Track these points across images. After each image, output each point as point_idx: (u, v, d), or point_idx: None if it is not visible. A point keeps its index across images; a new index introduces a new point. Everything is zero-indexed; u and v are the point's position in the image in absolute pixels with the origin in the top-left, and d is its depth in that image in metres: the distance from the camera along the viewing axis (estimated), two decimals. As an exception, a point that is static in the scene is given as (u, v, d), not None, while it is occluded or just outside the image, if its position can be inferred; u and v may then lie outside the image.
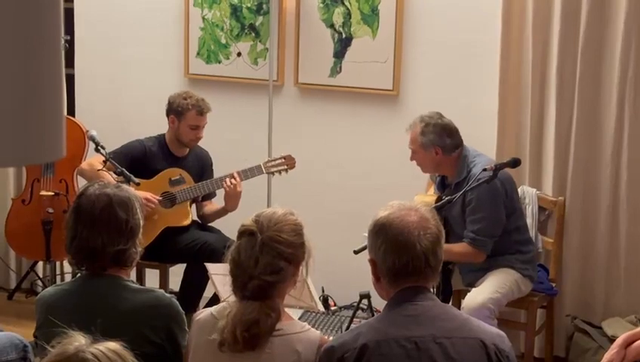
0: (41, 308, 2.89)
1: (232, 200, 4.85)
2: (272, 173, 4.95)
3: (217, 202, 5.10)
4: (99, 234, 2.82)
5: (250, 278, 2.57)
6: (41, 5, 1.27)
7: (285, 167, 4.92)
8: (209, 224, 5.10)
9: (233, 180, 4.82)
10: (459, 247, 4.38)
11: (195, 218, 5.11)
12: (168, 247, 4.89)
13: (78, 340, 1.96)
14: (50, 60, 1.28)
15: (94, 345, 1.95)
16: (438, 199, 4.47)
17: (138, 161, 4.88)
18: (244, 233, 2.62)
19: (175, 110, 4.91)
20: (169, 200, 4.91)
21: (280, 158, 4.94)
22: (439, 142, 4.43)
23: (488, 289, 4.34)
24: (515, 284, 4.44)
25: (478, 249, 4.38)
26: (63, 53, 1.33)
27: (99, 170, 4.74)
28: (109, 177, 4.64)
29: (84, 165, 5.01)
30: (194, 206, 5.14)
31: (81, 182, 5.35)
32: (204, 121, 4.93)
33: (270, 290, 2.58)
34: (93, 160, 4.94)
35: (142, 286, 3.06)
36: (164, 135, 5.02)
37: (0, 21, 1.23)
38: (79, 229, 2.84)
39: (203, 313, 2.74)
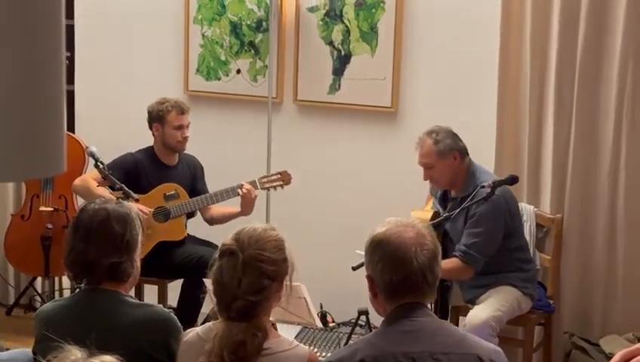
0: (39, 324, 2.90)
1: (249, 204, 4.89)
2: (267, 188, 4.97)
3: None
4: (93, 246, 2.84)
5: (233, 299, 2.53)
6: (44, 22, 1.28)
7: (281, 182, 4.94)
8: (214, 227, 5.09)
9: (246, 185, 4.86)
10: (448, 263, 4.26)
11: (192, 233, 5.12)
12: (164, 262, 4.90)
13: (74, 354, 1.97)
14: (51, 76, 1.30)
15: (90, 359, 1.95)
16: (435, 215, 4.48)
17: (131, 173, 4.92)
18: (225, 253, 2.58)
19: (156, 117, 4.97)
20: (163, 214, 4.94)
21: (276, 174, 4.96)
22: (456, 146, 4.42)
23: (490, 307, 4.34)
24: (516, 302, 4.44)
25: (468, 264, 4.33)
26: (64, 69, 1.34)
27: (98, 185, 4.77)
28: (105, 193, 4.65)
29: (76, 181, 5.00)
30: (190, 221, 5.15)
31: (80, 198, 5.36)
32: (187, 120, 4.98)
33: (255, 310, 2.55)
34: (86, 176, 4.98)
35: (140, 302, 3.07)
36: (152, 147, 5.07)
37: (3, 37, 1.25)
38: (76, 242, 2.87)
39: (190, 334, 2.71)
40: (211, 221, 5.11)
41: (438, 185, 4.57)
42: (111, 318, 2.81)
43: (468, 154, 4.48)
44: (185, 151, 5.09)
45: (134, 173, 4.93)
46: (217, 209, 5.10)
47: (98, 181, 4.82)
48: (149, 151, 5.06)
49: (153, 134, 5.02)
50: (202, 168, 5.17)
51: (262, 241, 2.57)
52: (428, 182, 4.63)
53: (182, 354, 2.70)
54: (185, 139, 4.98)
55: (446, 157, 4.40)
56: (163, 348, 2.82)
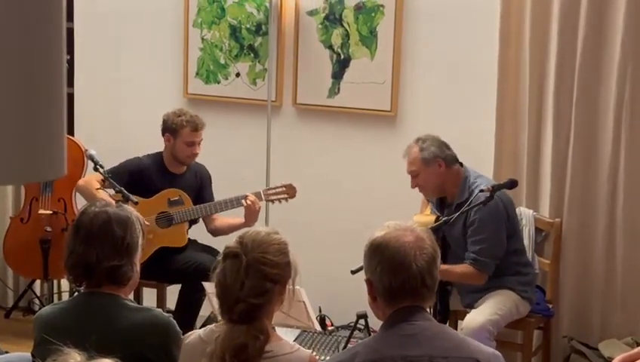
0: (38, 326, 2.89)
1: (253, 216, 4.86)
2: (272, 201, 4.95)
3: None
4: (94, 249, 2.84)
5: (236, 301, 2.54)
6: (45, 25, 1.28)
7: (286, 196, 4.92)
8: (219, 236, 5.08)
9: (251, 197, 4.84)
10: (461, 268, 4.37)
11: (193, 238, 5.11)
12: (163, 267, 4.88)
13: (73, 357, 1.96)
14: (52, 79, 1.30)
15: (90, 362, 1.95)
16: (437, 219, 4.48)
17: (136, 178, 4.89)
18: (229, 255, 2.59)
19: (170, 128, 4.93)
20: (166, 220, 4.92)
21: (281, 187, 4.93)
22: (440, 154, 4.44)
23: (488, 311, 4.34)
24: (514, 306, 4.44)
25: (480, 270, 4.37)
26: (65, 72, 1.35)
27: (97, 188, 4.76)
28: (106, 196, 4.65)
29: (80, 182, 5.00)
30: (197, 223, 5.13)
31: (79, 201, 5.36)
32: (200, 137, 4.95)
33: (257, 312, 2.56)
34: (91, 177, 4.95)
35: (140, 305, 3.07)
36: (161, 153, 5.04)
37: (5, 40, 1.25)
38: (76, 245, 2.87)
39: (191, 336, 2.72)
40: (215, 232, 5.08)
41: (425, 193, 4.58)
42: (111, 322, 2.81)
43: (456, 162, 4.48)
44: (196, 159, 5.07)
45: (138, 177, 4.90)
46: (221, 220, 5.08)
47: (100, 183, 4.81)
48: (157, 157, 5.03)
49: (165, 142, 5.00)
50: (210, 177, 5.13)
51: (265, 244, 2.59)
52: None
53: (183, 355, 2.70)
54: (194, 155, 4.96)
55: (430, 165, 4.42)
56: (162, 352, 2.81)
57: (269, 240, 2.60)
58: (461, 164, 4.53)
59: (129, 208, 3.01)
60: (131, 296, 3.31)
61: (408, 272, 2.45)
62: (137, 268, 2.95)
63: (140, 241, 2.93)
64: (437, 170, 4.43)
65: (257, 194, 4.89)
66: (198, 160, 5.10)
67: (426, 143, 4.46)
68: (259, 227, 2.70)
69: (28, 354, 3.23)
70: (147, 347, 2.79)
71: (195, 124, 4.91)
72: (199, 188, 5.05)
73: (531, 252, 4.79)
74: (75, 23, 5.83)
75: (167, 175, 5.01)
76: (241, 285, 2.54)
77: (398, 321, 2.47)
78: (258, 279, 2.55)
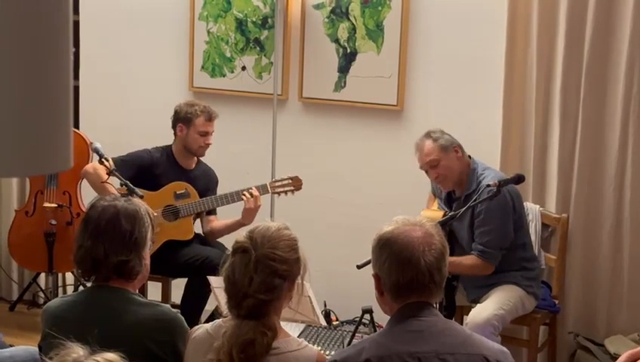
0: (46, 319, 2.89)
1: (251, 213, 4.79)
2: (278, 193, 4.91)
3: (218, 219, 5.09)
4: (101, 243, 2.84)
5: (244, 297, 2.53)
6: (52, 18, 1.28)
7: (292, 188, 4.88)
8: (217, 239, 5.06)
9: (254, 191, 4.80)
10: (468, 260, 4.38)
11: (199, 232, 5.09)
12: (170, 261, 4.85)
13: (76, 351, 1.96)
14: (59, 72, 1.29)
15: (92, 356, 1.95)
16: (444, 215, 4.47)
17: (144, 170, 4.86)
18: (238, 250, 2.57)
19: (183, 118, 4.89)
20: (172, 213, 4.90)
21: (287, 179, 4.89)
22: (455, 141, 4.46)
23: (493, 306, 4.34)
24: (520, 301, 4.43)
25: (487, 261, 4.38)
26: (72, 65, 1.34)
27: (102, 181, 4.73)
28: (112, 188, 4.63)
29: (89, 168, 4.90)
30: (197, 221, 5.11)
31: (85, 195, 5.35)
32: (213, 128, 4.92)
33: (265, 308, 2.54)
34: (99, 166, 4.88)
35: (148, 300, 3.06)
36: (170, 146, 5.01)
37: (13, 33, 1.24)
38: (84, 239, 2.87)
39: (199, 329, 2.71)
40: (211, 234, 5.04)
41: (446, 184, 4.53)
42: (119, 316, 2.81)
43: (464, 151, 4.50)
44: (204, 160, 5.04)
45: (148, 171, 4.87)
46: (215, 222, 5.04)
47: (105, 174, 4.77)
48: (167, 150, 5.00)
49: (175, 134, 4.94)
50: (217, 182, 5.09)
51: (275, 240, 2.57)
52: (429, 181, 4.63)
53: (190, 349, 2.69)
54: (207, 145, 4.92)
55: (449, 151, 4.43)
56: (169, 348, 2.81)
57: (279, 235, 2.58)
58: (469, 157, 4.53)
59: (138, 201, 3.00)
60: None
61: (416, 268, 2.44)
62: (147, 262, 2.94)
63: (149, 235, 2.93)
64: (456, 156, 4.44)
65: (263, 187, 4.85)
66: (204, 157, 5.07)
67: (437, 133, 4.48)
68: (269, 222, 2.67)
69: (32, 348, 3.23)
70: (154, 342, 2.78)
71: (209, 114, 4.89)
72: (205, 189, 4.98)
73: (537, 247, 4.78)
74: (81, 16, 5.83)
75: (177, 169, 4.97)
76: (249, 280, 2.52)
77: (405, 317, 2.46)
78: (267, 275, 2.53)
